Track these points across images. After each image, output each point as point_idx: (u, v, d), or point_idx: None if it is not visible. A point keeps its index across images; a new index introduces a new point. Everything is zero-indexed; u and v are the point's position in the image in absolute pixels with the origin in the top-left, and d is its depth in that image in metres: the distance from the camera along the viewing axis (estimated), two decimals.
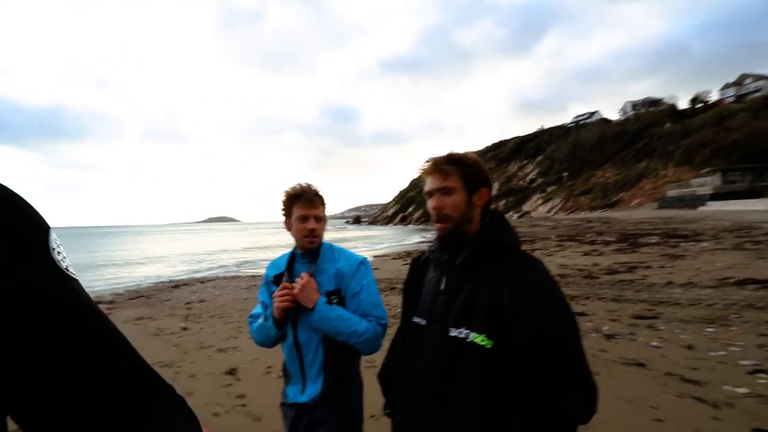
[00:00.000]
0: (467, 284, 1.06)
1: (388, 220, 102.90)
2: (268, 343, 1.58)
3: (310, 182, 1.55)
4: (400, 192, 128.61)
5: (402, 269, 12.00)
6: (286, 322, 1.49)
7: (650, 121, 68.08)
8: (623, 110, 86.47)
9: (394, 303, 6.76)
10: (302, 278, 1.44)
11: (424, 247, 22.20)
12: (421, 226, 74.28)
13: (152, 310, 7.68)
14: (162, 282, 12.08)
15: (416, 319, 1.18)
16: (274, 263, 1.65)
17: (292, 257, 1.58)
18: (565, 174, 71.98)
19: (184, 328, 6.04)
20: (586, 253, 12.45)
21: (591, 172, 67.08)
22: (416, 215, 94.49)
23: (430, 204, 1.12)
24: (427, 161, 1.14)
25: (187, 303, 8.21)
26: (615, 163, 64.79)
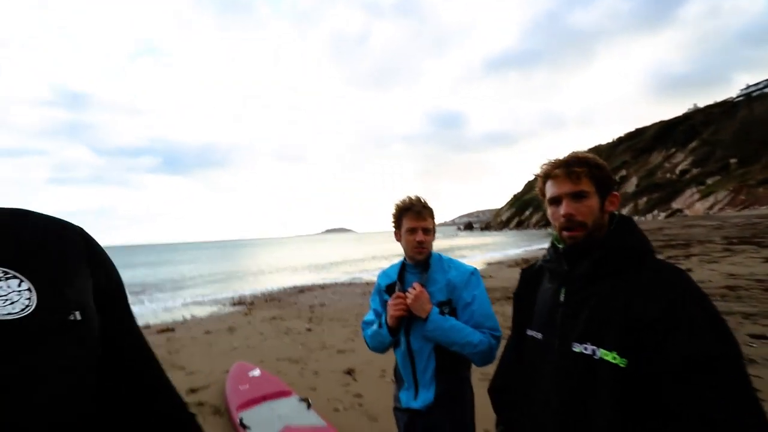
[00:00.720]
0: (592, 296, 0.96)
1: (502, 225, 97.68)
2: (381, 348, 1.65)
3: (419, 195, 1.60)
4: (514, 195, 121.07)
5: (517, 277, 11.21)
6: (399, 330, 1.55)
7: None
8: None
9: (509, 314, 6.35)
10: (415, 288, 1.46)
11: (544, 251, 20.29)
12: (540, 231, 68.38)
13: (282, 311, 8.78)
14: (289, 288, 13.72)
15: (531, 332, 1.11)
16: (385, 273, 1.71)
17: (403, 267, 1.63)
18: (733, 160, 57.78)
19: (309, 329, 6.73)
20: (767, 260, 9.72)
21: None
22: (534, 219, 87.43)
23: (561, 210, 1.02)
24: (547, 164, 1.06)
25: (311, 306, 9.15)
26: None
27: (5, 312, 0.38)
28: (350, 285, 13.30)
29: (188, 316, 8.95)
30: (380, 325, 1.58)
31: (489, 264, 17.04)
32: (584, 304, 0.96)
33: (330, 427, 2.68)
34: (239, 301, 10.95)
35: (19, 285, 0.40)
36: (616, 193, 1.02)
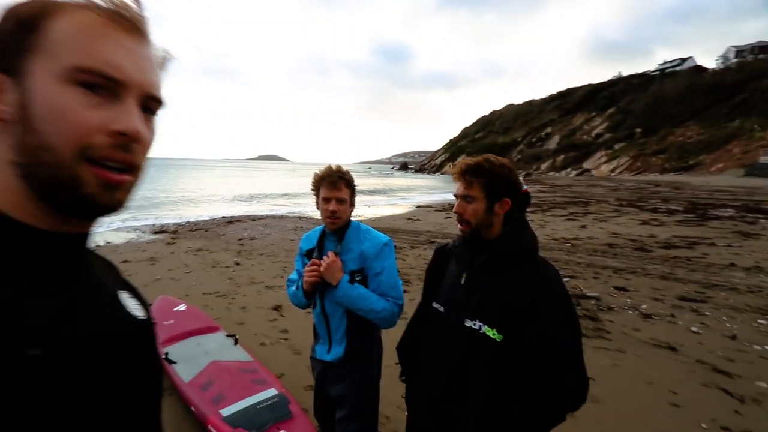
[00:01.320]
0: (484, 283, 1.20)
1: (435, 169, 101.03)
2: (301, 307, 1.81)
3: (339, 165, 1.66)
4: (450, 140, 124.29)
5: (444, 222, 12.06)
6: (314, 294, 1.69)
7: (757, 71, 57.93)
8: (724, 57, 74.07)
9: (429, 256, 6.94)
10: (328, 257, 1.58)
11: None
12: None
13: (209, 243, 8.54)
14: (217, 218, 13.19)
15: (435, 305, 1.35)
16: (307, 236, 1.80)
17: (323, 234, 1.72)
18: (639, 130, 64.97)
19: (237, 263, 6.71)
20: (644, 222, 11.64)
21: (670, 129, 59.98)
22: None
23: (454, 207, 1.25)
24: (456, 164, 1.25)
25: (240, 239, 8.99)
26: (702, 120, 57.17)
27: (137, 314, 0.55)
28: (282, 218, 13.16)
29: (102, 243, 8.28)
30: (297, 287, 1.72)
31: (418, 207, 17.90)
32: (478, 288, 1.21)
33: (256, 362, 2.87)
34: (161, 230, 10.30)
35: (136, 302, 0.57)
36: (507, 199, 1.20)
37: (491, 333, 1.14)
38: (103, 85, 0.42)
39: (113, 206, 0.46)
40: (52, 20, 0.41)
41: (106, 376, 0.45)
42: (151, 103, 0.47)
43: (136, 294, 0.60)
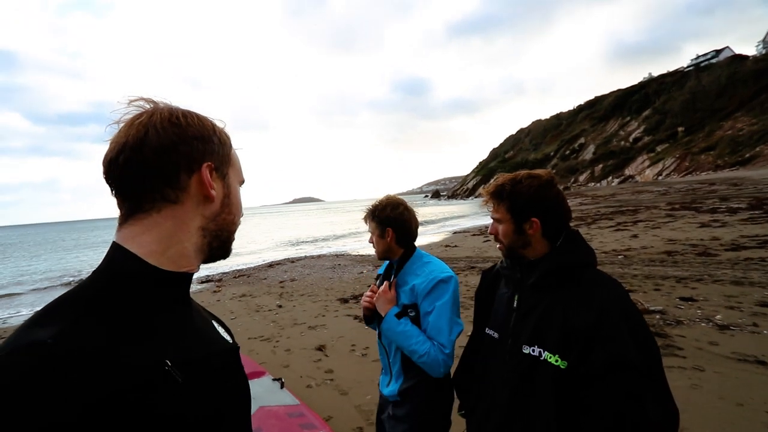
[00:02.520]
0: (540, 304, 1.10)
1: (468, 193, 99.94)
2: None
3: (387, 198, 1.65)
4: (480, 162, 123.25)
5: (483, 246, 11.73)
6: (373, 320, 1.67)
7: None
8: (764, 42, 69.71)
9: (473, 283, 6.72)
10: (384, 286, 1.57)
11: None
12: None
13: (252, 288, 8.79)
14: (258, 263, 13.63)
15: (489, 331, 1.27)
16: (384, 264, 1.77)
17: (391, 263, 1.70)
18: (681, 129, 61.45)
19: (279, 306, 6.82)
20: (703, 225, 10.72)
21: (716, 123, 56.24)
22: None
23: (489, 228, 1.26)
24: (487, 187, 1.23)
25: (281, 282, 9.20)
26: (751, 109, 53.27)
27: (228, 339, 0.69)
28: (320, 258, 13.39)
29: None
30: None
31: (455, 233, 17.62)
32: (533, 310, 1.11)
33: (303, 405, 2.82)
34: (207, 279, 10.79)
35: (223, 330, 0.71)
36: (535, 219, 1.12)
37: (553, 359, 1.02)
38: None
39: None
40: (231, 149, 0.67)
41: (221, 389, 0.59)
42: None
43: (222, 323, 0.74)
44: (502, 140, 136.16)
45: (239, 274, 11.16)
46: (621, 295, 1.02)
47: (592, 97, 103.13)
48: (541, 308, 1.09)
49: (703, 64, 77.52)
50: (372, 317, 1.65)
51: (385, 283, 1.58)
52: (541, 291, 1.12)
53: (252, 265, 13.01)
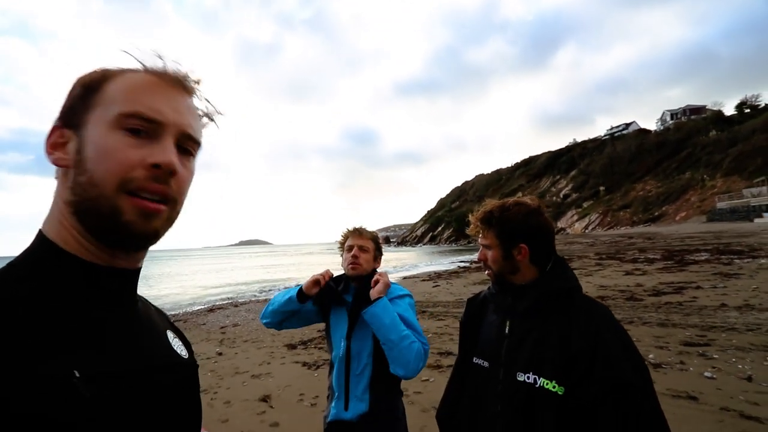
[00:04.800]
0: (533, 329, 1.08)
1: (417, 240, 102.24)
2: (280, 312, 1.67)
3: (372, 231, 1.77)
4: (428, 212, 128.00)
5: (432, 291, 11.83)
6: (306, 299, 1.62)
7: (693, 130, 64.95)
8: (662, 120, 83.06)
9: (425, 327, 6.65)
10: (380, 274, 1.61)
11: (454, 267, 21.81)
12: (451, 246, 73.31)
13: (189, 334, 7.95)
14: (197, 307, 12.54)
15: (477, 360, 1.21)
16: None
17: (346, 279, 1.71)
18: (602, 188, 69.23)
19: (219, 353, 6.22)
20: (628, 273, 11.79)
21: (630, 185, 64.23)
22: (445, 234, 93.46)
23: (477, 255, 1.25)
24: (473, 214, 1.24)
25: (222, 327, 8.47)
26: (656, 175, 61.81)
27: (183, 353, 0.60)
28: (266, 302, 12.61)
29: None
30: (291, 290, 1.67)
31: (404, 278, 17.68)
32: (526, 336, 1.09)
33: None
34: None
35: (180, 342, 0.63)
36: (523, 245, 1.14)
37: (551, 386, 0.99)
38: (145, 129, 0.48)
39: (149, 234, 0.50)
40: (109, 82, 0.50)
41: (153, 410, 0.49)
42: (188, 143, 0.53)
43: (181, 336, 0.65)
44: (448, 191, 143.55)
45: (174, 320, 10.09)
46: (612, 317, 1.05)
47: (526, 156, 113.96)
48: (536, 333, 1.07)
49: (616, 134, 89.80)
50: (307, 297, 1.61)
51: (382, 272, 1.63)
52: (534, 316, 1.10)
53: (189, 310, 11.90)
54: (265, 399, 4.17)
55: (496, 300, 1.23)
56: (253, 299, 13.58)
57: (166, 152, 0.49)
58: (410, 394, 3.81)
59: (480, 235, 1.21)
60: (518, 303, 1.14)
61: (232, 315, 10.10)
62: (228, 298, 14.51)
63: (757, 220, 30.78)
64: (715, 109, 69.10)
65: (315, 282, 1.60)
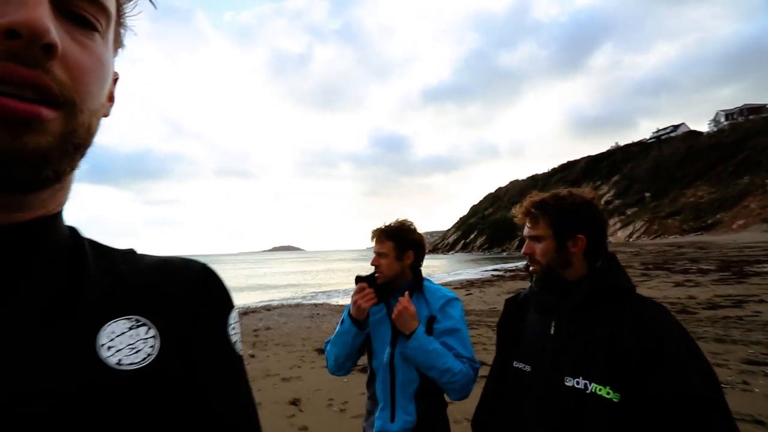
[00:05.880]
0: (583, 329, 0.98)
1: (448, 248, 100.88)
2: (345, 354, 1.49)
3: (401, 220, 1.57)
4: (460, 219, 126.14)
5: (465, 299, 11.56)
6: (366, 323, 1.46)
7: (751, 130, 60.04)
8: (715, 120, 77.65)
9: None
10: (401, 301, 1.37)
11: (488, 275, 21.23)
12: (484, 254, 71.65)
13: None
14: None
15: (518, 364, 1.11)
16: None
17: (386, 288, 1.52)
18: (648, 194, 65.39)
19: (252, 356, 6.34)
20: (678, 284, 10.98)
21: (679, 191, 60.24)
22: (478, 242, 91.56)
23: (523, 248, 1.14)
24: (519, 206, 1.15)
25: (255, 330, 8.66)
26: (709, 180, 57.60)
27: (128, 362, 0.35)
28: (297, 306, 12.84)
29: None
30: (342, 322, 1.49)
31: None
32: (575, 337, 0.98)
33: None
34: None
35: (147, 332, 0.38)
36: (581, 235, 1.05)
37: (604, 392, 0.89)
38: None
39: (19, 157, 0.28)
40: None
41: None
42: (81, 5, 0.31)
43: (149, 321, 0.38)
44: (480, 198, 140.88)
45: None
46: (675, 320, 0.93)
47: (564, 161, 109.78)
48: (586, 333, 0.96)
49: (663, 137, 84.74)
50: (364, 322, 1.45)
51: (404, 295, 1.39)
52: (584, 315, 0.99)
53: None
54: (294, 402, 4.18)
55: (539, 298, 1.12)
56: (285, 304, 13.87)
57: (27, 9, 0.27)
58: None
59: (529, 226, 1.10)
60: (566, 300, 1.03)
61: (264, 318, 10.34)
62: (261, 302, 14.90)
63: None
64: None
65: (363, 309, 1.43)
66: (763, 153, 52.25)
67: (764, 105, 69.77)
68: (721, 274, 12.25)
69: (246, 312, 11.84)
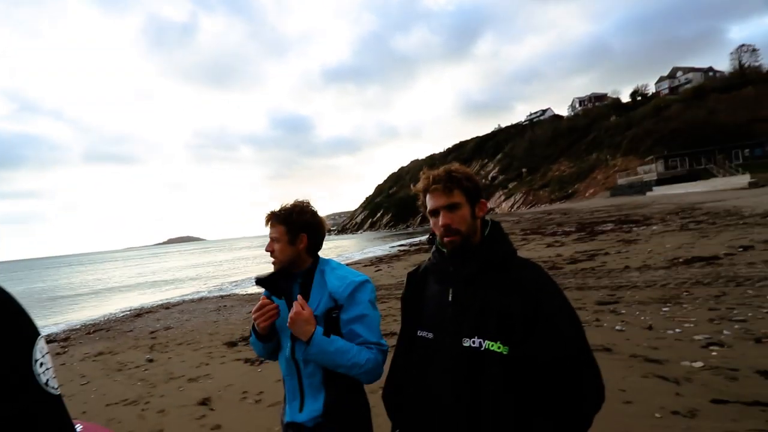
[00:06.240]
0: (476, 295, 1.08)
1: (357, 227, 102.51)
2: (266, 354, 1.50)
3: (297, 201, 1.47)
4: (367, 198, 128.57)
5: (374, 276, 11.98)
6: (272, 334, 1.42)
7: (597, 115, 72.51)
8: (572, 106, 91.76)
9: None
10: (294, 306, 1.31)
11: (395, 251, 22.29)
12: (391, 231, 74.68)
13: (113, 343, 7.19)
14: (122, 312, 11.34)
15: (421, 333, 1.17)
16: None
17: (283, 277, 1.47)
18: (524, 170, 74.97)
19: (150, 360, 5.69)
20: (549, 245, 13.00)
21: (548, 166, 70.32)
22: (384, 220, 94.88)
23: (439, 221, 1.12)
24: (425, 179, 1.15)
25: (152, 332, 7.76)
26: (569, 156, 68.32)
27: None
28: (201, 301, 11.80)
29: None
30: (251, 334, 1.47)
31: (348, 265, 17.65)
32: (470, 302, 1.08)
33: None
34: (48, 339, 8.42)
35: None
36: (483, 200, 1.15)
37: (495, 347, 1.01)
38: None
39: None
40: None
41: None
42: None
43: None
44: (384, 178, 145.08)
45: (95, 329, 9.05)
46: (549, 277, 1.08)
47: (457, 141, 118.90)
48: (479, 299, 1.07)
49: (534, 120, 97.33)
50: (271, 334, 1.41)
51: (299, 297, 1.34)
52: (477, 281, 1.09)
53: (113, 317, 10.71)
54: (204, 402, 3.91)
55: (436, 269, 1.19)
56: (186, 300, 12.62)
57: None
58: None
59: (442, 197, 1.11)
60: (460, 270, 1.11)
61: (163, 318, 9.30)
62: (159, 301, 13.33)
63: (648, 193, 35.74)
64: (614, 96, 77.88)
65: (258, 323, 1.39)
66: (605, 134, 64.06)
67: (605, 94, 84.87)
68: (579, 234, 14.87)
69: (139, 314, 10.47)
